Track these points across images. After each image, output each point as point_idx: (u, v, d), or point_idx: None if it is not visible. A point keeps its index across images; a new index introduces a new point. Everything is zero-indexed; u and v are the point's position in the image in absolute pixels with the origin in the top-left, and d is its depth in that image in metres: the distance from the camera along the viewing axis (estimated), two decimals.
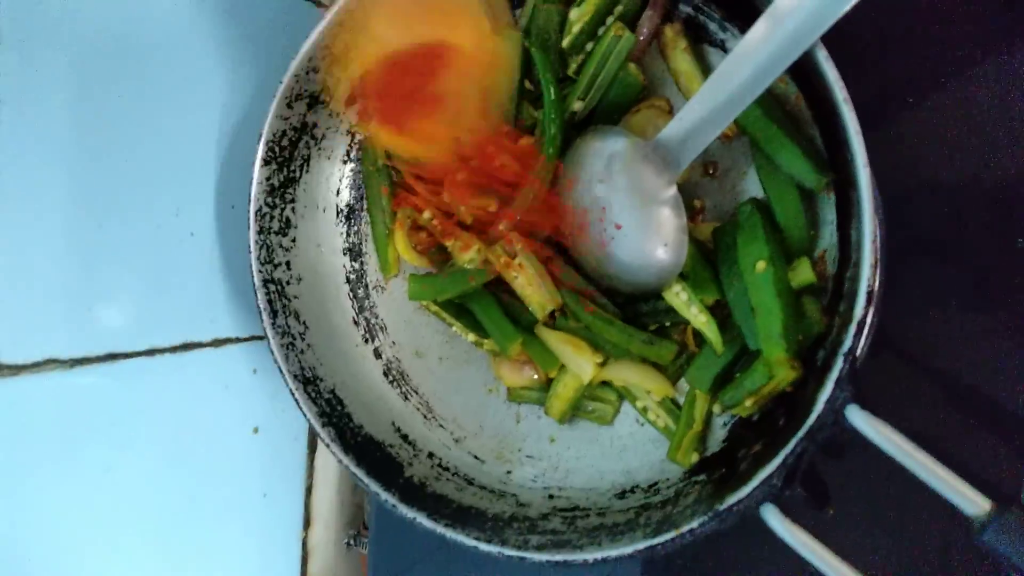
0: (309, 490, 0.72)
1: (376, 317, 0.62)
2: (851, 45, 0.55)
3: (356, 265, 0.62)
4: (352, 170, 0.62)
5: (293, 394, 0.55)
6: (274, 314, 0.56)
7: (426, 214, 0.58)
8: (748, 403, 0.50)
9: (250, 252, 0.56)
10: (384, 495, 0.52)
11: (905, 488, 0.42)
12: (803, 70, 0.45)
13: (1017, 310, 0.53)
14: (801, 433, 0.43)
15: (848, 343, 0.42)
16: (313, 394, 0.56)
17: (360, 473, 0.53)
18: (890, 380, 0.54)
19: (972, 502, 0.39)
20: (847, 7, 0.41)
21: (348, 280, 0.62)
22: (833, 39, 0.42)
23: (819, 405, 0.43)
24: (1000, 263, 0.53)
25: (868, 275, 0.42)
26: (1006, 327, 0.53)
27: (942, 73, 0.55)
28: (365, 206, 0.62)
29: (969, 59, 0.55)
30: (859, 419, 0.42)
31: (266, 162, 0.56)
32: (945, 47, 0.55)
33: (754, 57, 0.43)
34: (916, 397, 0.54)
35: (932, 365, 0.54)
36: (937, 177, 0.55)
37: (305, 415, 0.55)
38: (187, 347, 0.61)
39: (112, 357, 0.57)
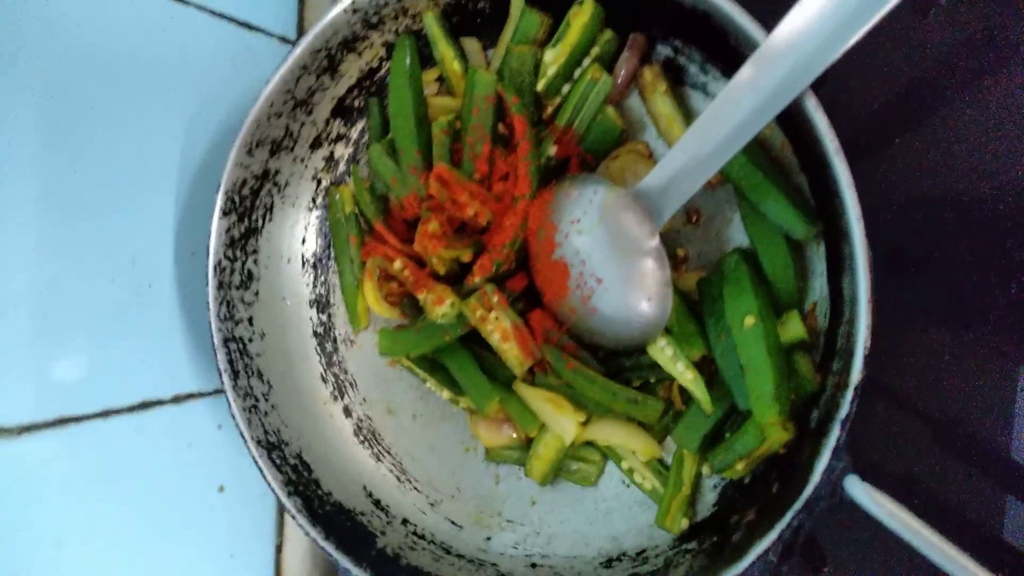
0: (279, 548, 0.69)
1: (345, 372, 0.59)
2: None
3: (324, 317, 0.59)
4: (318, 217, 0.59)
5: (257, 462, 0.52)
6: (235, 375, 0.53)
7: (397, 264, 0.55)
8: (739, 466, 0.47)
9: (209, 310, 0.52)
10: (355, 570, 0.49)
11: (903, 548, 0.40)
12: (790, 116, 0.43)
13: (993, 328, 0.52)
14: (798, 505, 0.41)
15: (845, 409, 0.40)
16: (278, 460, 0.52)
17: (329, 547, 0.50)
18: (876, 420, 0.52)
19: None
20: (840, 51, 0.38)
21: (315, 334, 0.59)
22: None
23: (816, 476, 0.40)
24: (976, 282, 0.52)
25: (864, 337, 0.40)
26: (982, 345, 0.52)
27: (926, 95, 0.54)
28: (332, 255, 0.59)
29: (951, 85, 0.53)
30: (859, 491, 0.40)
31: (225, 213, 0.53)
32: (929, 69, 0.53)
33: (740, 105, 0.41)
34: (907, 434, 0.53)
35: (913, 396, 0.53)
36: (914, 198, 0.53)
37: (270, 485, 0.51)
38: (145, 406, 0.58)
39: (63, 422, 0.54)
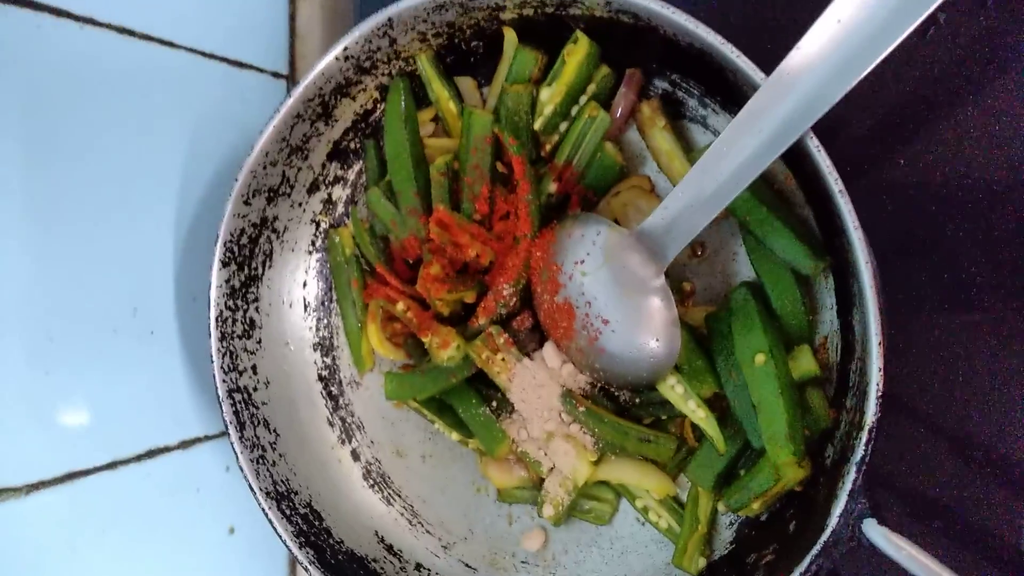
0: None
1: (352, 416, 0.58)
2: None
3: (328, 361, 0.59)
4: (318, 260, 0.59)
5: (266, 514, 0.51)
6: (241, 427, 0.52)
7: (400, 306, 0.55)
8: (755, 505, 0.47)
9: (212, 361, 0.52)
10: None
11: None
12: (792, 150, 0.43)
13: (997, 317, 0.51)
14: (816, 549, 0.40)
15: (860, 452, 0.39)
16: (288, 511, 0.52)
17: None
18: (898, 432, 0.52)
19: None
20: (845, 90, 0.38)
21: (320, 378, 0.58)
22: None
23: (833, 519, 0.40)
24: (982, 271, 0.51)
25: (877, 379, 0.39)
26: (988, 334, 0.51)
27: (930, 103, 0.53)
28: (334, 297, 0.59)
29: (958, 81, 0.52)
30: (877, 535, 0.39)
31: (224, 264, 0.52)
32: (931, 83, 0.53)
33: (742, 145, 0.41)
34: (927, 455, 0.52)
35: (921, 393, 0.52)
36: (921, 196, 0.52)
37: (281, 537, 0.51)
38: (152, 453, 0.58)
39: (71, 476, 0.54)
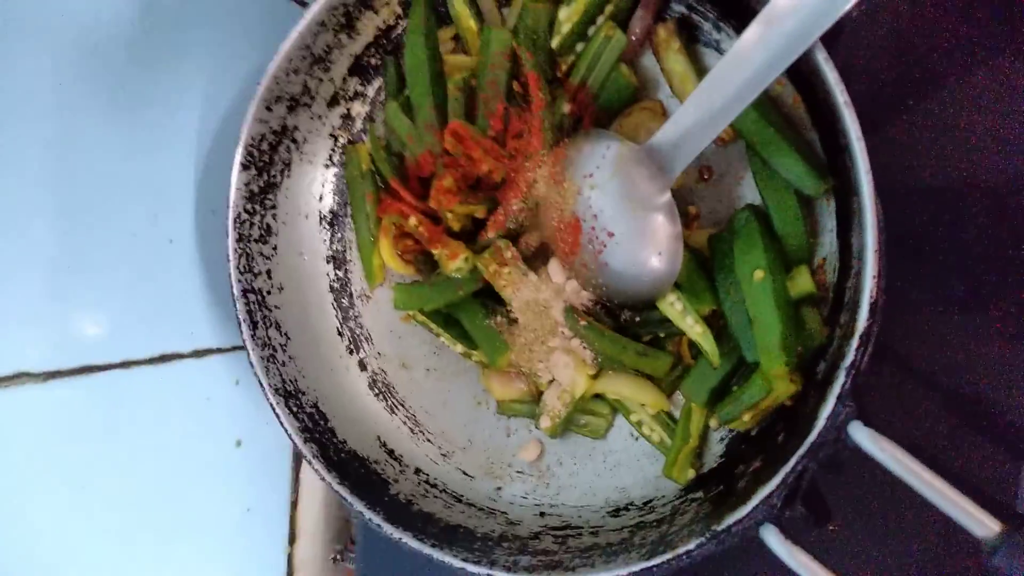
0: (294, 504, 0.70)
1: (361, 327, 0.60)
2: (845, 46, 0.53)
3: (340, 273, 0.60)
4: (335, 175, 0.60)
5: (274, 408, 0.53)
6: (254, 325, 0.54)
7: (412, 220, 0.56)
8: (746, 418, 0.48)
9: (228, 261, 0.54)
10: (369, 514, 0.50)
11: (909, 503, 0.40)
12: (801, 71, 0.44)
13: (1010, 312, 0.52)
14: (802, 451, 0.41)
15: (851, 357, 0.41)
16: (295, 408, 0.54)
17: (343, 491, 0.51)
18: (886, 386, 0.53)
19: (981, 524, 0.37)
20: (847, 7, 0.39)
21: (332, 289, 0.60)
22: (826, 41, 0.40)
23: (821, 421, 0.41)
24: (993, 266, 0.52)
25: (871, 286, 0.40)
26: (1000, 329, 0.52)
27: (937, 77, 0.54)
28: (349, 212, 0.60)
29: (963, 66, 0.53)
30: (862, 436, 0.40)
31: (245, 167, 0.54)
32: (940, 52, 0.53)
33: (750, 59, 0.42)
34: (911, 402, 0.53)
35: (926, 368, 0.53)
36: (931, 180, 0.53)
37: (286, 430, 0.53)
38: (165, 359, 0.59)
39: (87, 370, 0.55)
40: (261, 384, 0.53)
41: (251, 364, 0.54)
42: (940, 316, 0.53)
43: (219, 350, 0.62)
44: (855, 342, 0.40)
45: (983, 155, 0.53)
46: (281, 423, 0.53)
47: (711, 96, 0.44)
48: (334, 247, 0.60)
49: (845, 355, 0.41)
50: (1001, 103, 0.52)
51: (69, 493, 0.53)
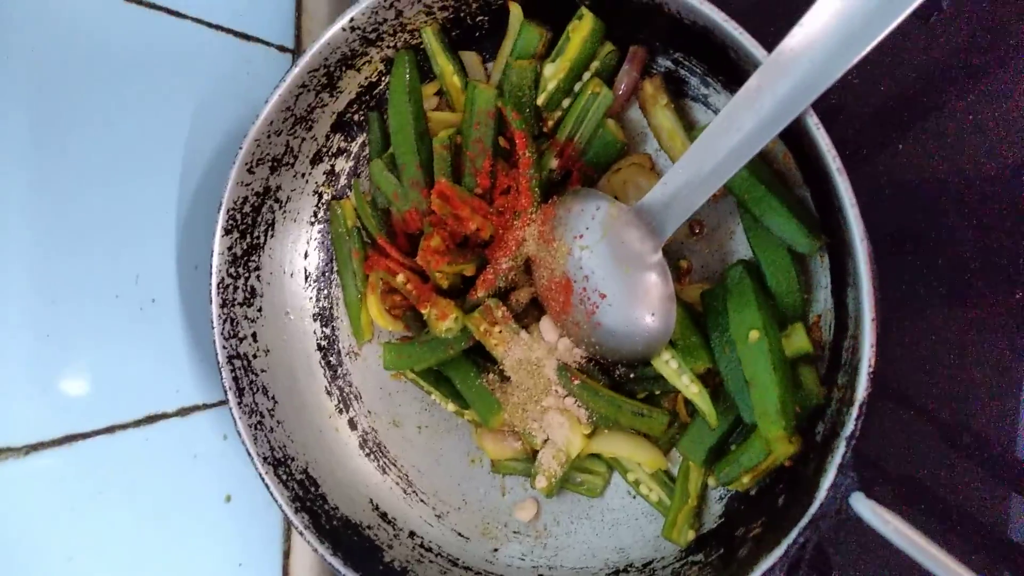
0: (287, 554, 0.69)
1: (350, 385, 0.59)
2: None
3: (327, 331, 0.59)
4: (320, 231, 0.59)
5: (263, 479, 0.52)
6: (240, 392, 0.53)
7: (400, 278, 0.55)
8: (745, 480, 0.47)
9: (212, 328, 0.52)
10: None
11: (910, 564, 0.40)
12: (791, 130, 0.43)
13: (995, 311, 0.52)
14: (804, 522, 0.41)
15: (851, 427, 0.40)
16: (285, 476, 0.53)
17: (336, 563, 0.50)
18: (883, 416, 0.53)
19: None
20: (843, 70, 0.38)
21: (319, 347, 0.59)
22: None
23: (822, 492, 0.40)
24: (980, 266, 0.52)
25: (869, 356, 0.40)
26: (985, 328, 0.52)
27: (930, 93, 0.53)
28: (335, 269, 0.59)
29: (955, 82, 0.53)
30: (864, 508, 0.40)
31: (227, 231, 0.53)
32: (932, 70, 0.53)
33: (742, 122, 0.41)
34: (912, 437, 0.53)
35: (912, 381, 0.53)
36: (918, 185, 0.53)
37: (277, 501, 0.51)
38: (151, 419, 0.58)
39: (70, 439, 0.54)
40: (249, 454, 0.52)
41: (239, 433, 0.52)
42: (923, 312, 0.52)
43: (205, 406, 0.61)
44: (855, 411, 0.40)
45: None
46: (271, 493, 0.52)
47: (702, 158, 0.43)
48: (320, 304, 0.59)
49: (845, 424, 0.40)
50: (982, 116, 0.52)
51: (59, 566, 0.52)
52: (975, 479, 0.52)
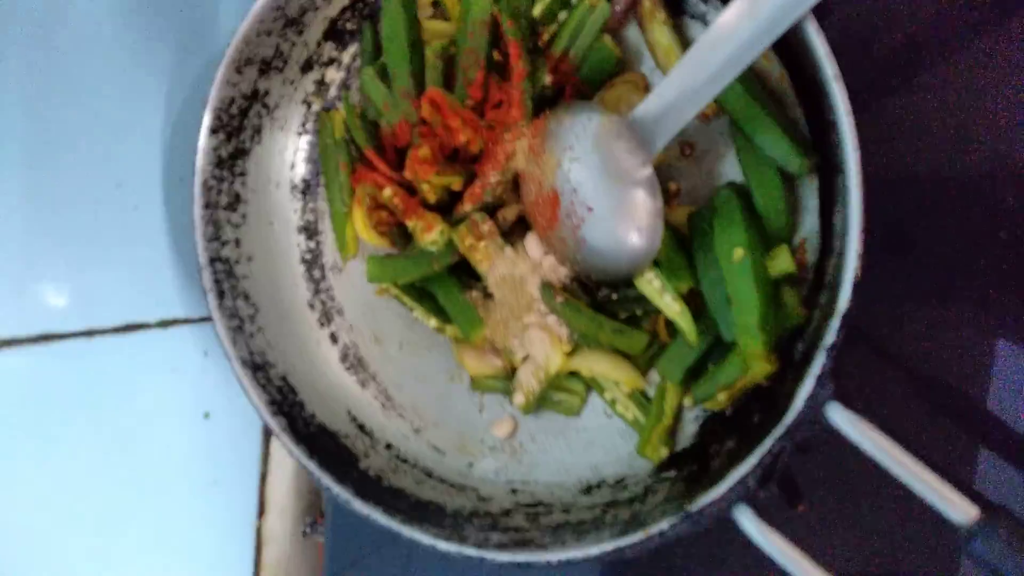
0: (264, 477, 0.69)
1: (333, 300, 0.59)
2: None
3: (312, 244, 0.59)
4: (308, 143, 0.58)
5: (241, 381, 0.52)
6: (221, 295, 0.52)
7: (387, 191, 0.54)
8: (721, 397, 0.48)
9: (195, 228, 0.52)
10: (337, 489, 0.49)
11: (884, 485, 0.40)
12: (789, 45, 0.43)
13: (992, 301, 0.52)
14: (778, 432, 0.41)
15: (831, 337, 0.40)
16: (263, 380, 0.52)
17: (312, 466, 0.50)
18: (862, 372, 0.53)
19: (959, 509, 0.37)
20: None
21: (303, 260, 0.59)
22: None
23: (798, 402, 0.41)
24: (976, 255, 0.52)
25: (854, 266, 0.40)
26: (980, 320, 0.52)
27: (919, 62, 0.53)
28: (322, 181, 0.58)
29: (948, 49, 0.52)
30: (840, 418, 0.40)
31: (213, 131, 0.52)
32: (923, 37, 0.53)
33: (737, 30, 0.41)
34: (888, 390, 0.53)
35: (905, 357, 0.53)
36: (912, 168, 0.53)
37: (253, 403, 0.51)
38: (130, 328, 0.58)
39: (47, 338, 0.54)
40: (228, 355, 0.52)
41: (218, 336, 0.52)
42: (917, 303, 0.53)
43: (187, 320, 0.61)
44: (836, 322, 0.40)
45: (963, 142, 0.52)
46: (248, 395, 0.52)
47: (695, 69, 0.43)
48: (306, 217, 0.59)
49: (825, 335, 0.40)
50: (982, 90, 0.52)
51: (27, 466, 0.52)
52: (947, 434, 0.52)
